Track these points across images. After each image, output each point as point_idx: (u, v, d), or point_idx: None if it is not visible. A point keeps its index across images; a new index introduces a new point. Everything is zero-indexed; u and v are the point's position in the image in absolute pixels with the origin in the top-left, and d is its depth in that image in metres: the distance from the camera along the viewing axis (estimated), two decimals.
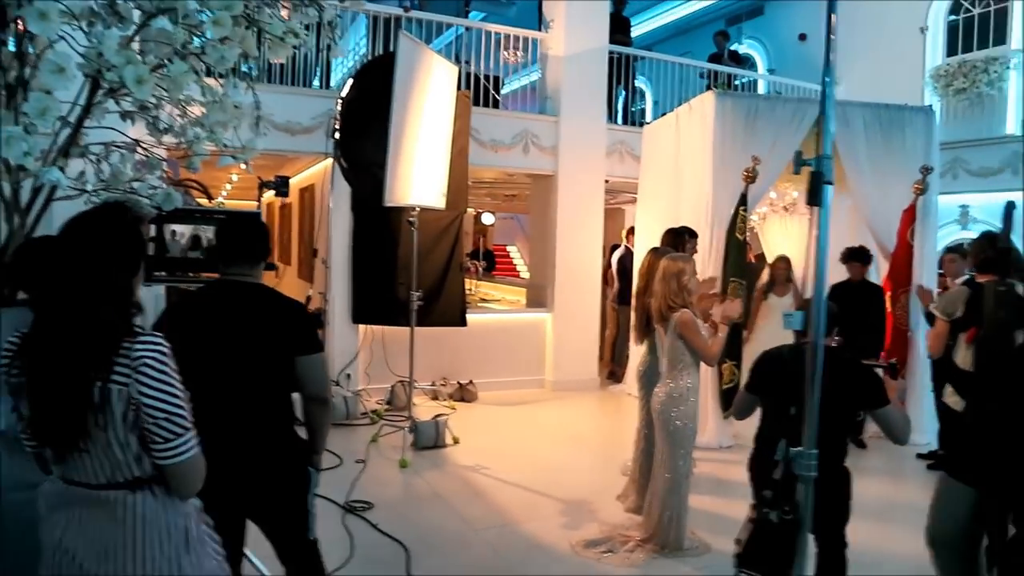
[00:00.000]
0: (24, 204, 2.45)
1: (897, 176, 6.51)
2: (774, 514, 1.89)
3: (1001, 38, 9.39)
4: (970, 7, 9.76)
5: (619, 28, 9.64)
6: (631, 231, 8.77)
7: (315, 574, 2.69)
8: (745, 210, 6.16)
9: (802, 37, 12.04)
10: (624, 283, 8.67)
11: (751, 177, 6.06)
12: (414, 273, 6.24)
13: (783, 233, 8.20)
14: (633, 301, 5.07)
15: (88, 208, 1.81)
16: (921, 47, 10.09)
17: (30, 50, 2.34)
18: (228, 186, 13.00)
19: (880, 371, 3.05)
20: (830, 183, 1.84)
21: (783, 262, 7.20)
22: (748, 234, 6.39)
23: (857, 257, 6.32)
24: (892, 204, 6.55)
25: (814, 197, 1.85)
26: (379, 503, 4.70)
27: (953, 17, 9.96)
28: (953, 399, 4.13)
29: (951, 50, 9.91)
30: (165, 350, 1.64)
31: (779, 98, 7.98)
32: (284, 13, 2.77)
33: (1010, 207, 4.30)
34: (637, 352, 5.05)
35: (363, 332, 7.44)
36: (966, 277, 5.19)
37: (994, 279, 4.09)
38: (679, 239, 5.49)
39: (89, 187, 2.66)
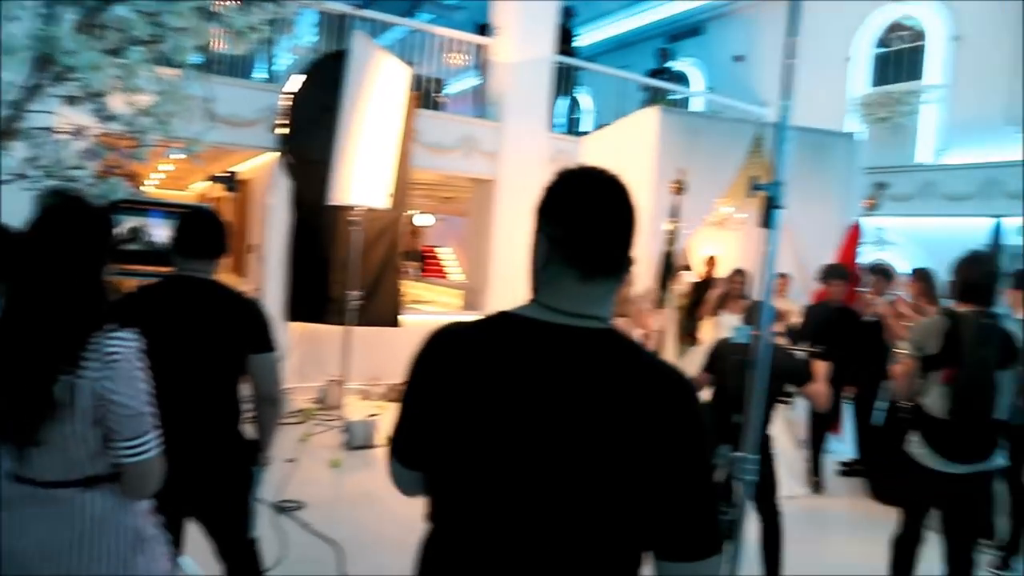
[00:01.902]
0: None
1: (821, 199, 6.83)
2: None
3: (918, 73, 9.97)
4: (892, 42, 10.32)
5: (562, 39, 9.81)
6: None
7: (253, 573, 2.68)
8: (676, 223, 6.28)
9: (738, 59, 12.48)
10: None
11: (679, 189, 6.13)
12: (352, 273, 6.21)
13: (714, 248, 8.47)
14: None
15: (59, 199, 1.77)
16: (844, 76, 10.62)
17: None
18: (156, 176, 12.60)
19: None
20: (780, 207, 1.96)
21: (740, 275, 6.63)
22: (677, 246, 6.51)
23: (840, 275, 5.97)
24: (816, 225, 6.86)
25: (766, 221, 1.97)
26: (311, 503, 4.66)
27: (880, 49, 10.51)
28: (921, 451, 3.44)
29: (876, 80, 10.46)
30: (139, 346, 1.62)
31: (719, 117, 8.27)
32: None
33: (1000, 224, 3.50)
34: None
35: (295, 329, 7.35)
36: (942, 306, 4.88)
37: (976, 309, 3.31)
38: None
39: (30, 172, 2.59)
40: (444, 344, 1.26)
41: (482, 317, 1.26)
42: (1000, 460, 3.45)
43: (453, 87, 10.35)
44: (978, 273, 3.35)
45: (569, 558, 1.12)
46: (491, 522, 1.16)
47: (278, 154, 6.92)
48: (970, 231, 8.88)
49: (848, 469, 6.23)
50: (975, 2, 9.31)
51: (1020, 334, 3.32)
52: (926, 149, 9.76)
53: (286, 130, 6.78)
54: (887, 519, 5.45)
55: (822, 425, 5.88)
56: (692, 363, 5.85)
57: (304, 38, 8.69)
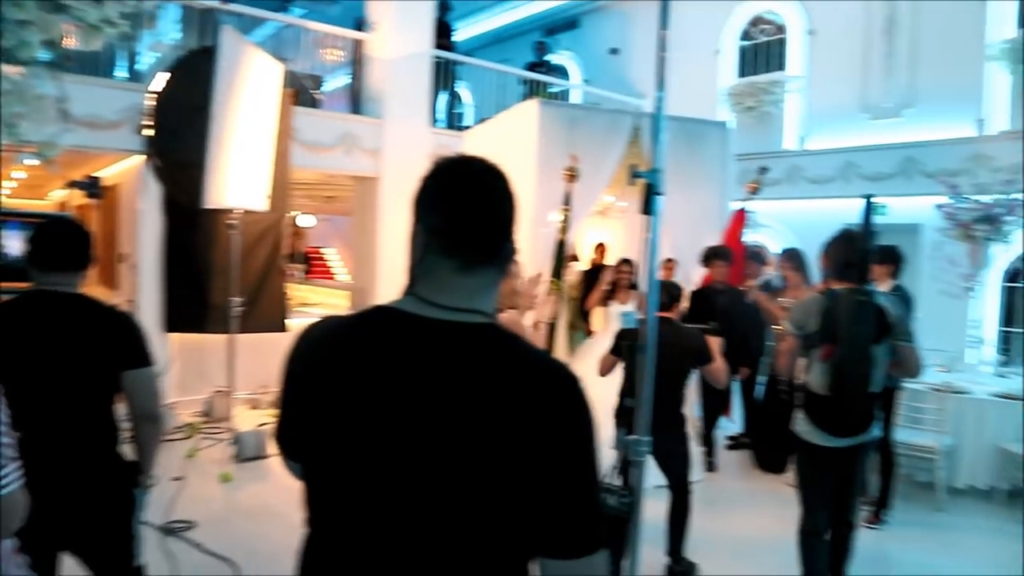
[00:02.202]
0: None
1: (697, 185, 7.08)
2: (613, 499, 2.04)
3: (781, 64, 10.54)
4: (756, 35, 10.86)
5: (441, 33, 9.76)
6: None
7: None
8: (568, 210, 6.24)
9: (614, 51, 12.79)
10: None
11: (572, 176, 6.13)
12: (233, 278, 5.96)
13: (597, 235, 8.65)
14: None
15: None
16: (715, 68, 11.09)
17: None
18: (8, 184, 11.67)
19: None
20: (660, 194, 2.01)
21: (628, 265, 6.49)
22: (569, 235, 6.53)
23: (721, 256, 6.11)
24: (694, 211, 7.12)
25: (647, 207, 2.01)
26: (202, 521, 4.46)
27: (745, 42, 11.03)
28: (806, 429, 3.52)
29: (741, 71, 10.98)
30: None
31: (597, 109, 8.44)
32: None
33: (870, 203, 3.48)
34: None
35: (175, 340, 6.99)
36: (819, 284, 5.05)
37: (851, 286, 3.40)
38: None
39: None
40: (316, 339, 1.23)
41: (357, 311, 1.23)
42: (877, 431, 3.65)
43: (331, 84, 10.11)
44: (851, 251, 3.44)
45: (448, 561, 1.09)
46: (366, 525, 1.12)
47: (145, 157, 6.54)
48: (833, 212, 9.49)
49: (735, 443, 6.54)
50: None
51: (891, 309, 3.43)
52: (791, 136, 10.33)
53: (152, 131, 6.41)
54: (773, 488, 5.77)
55: (714, 408, 6.11)
56: (585, 354, 5.97)
57: (168, 35, 8.26)
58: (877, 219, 5.56)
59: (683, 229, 7.15)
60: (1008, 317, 8.50)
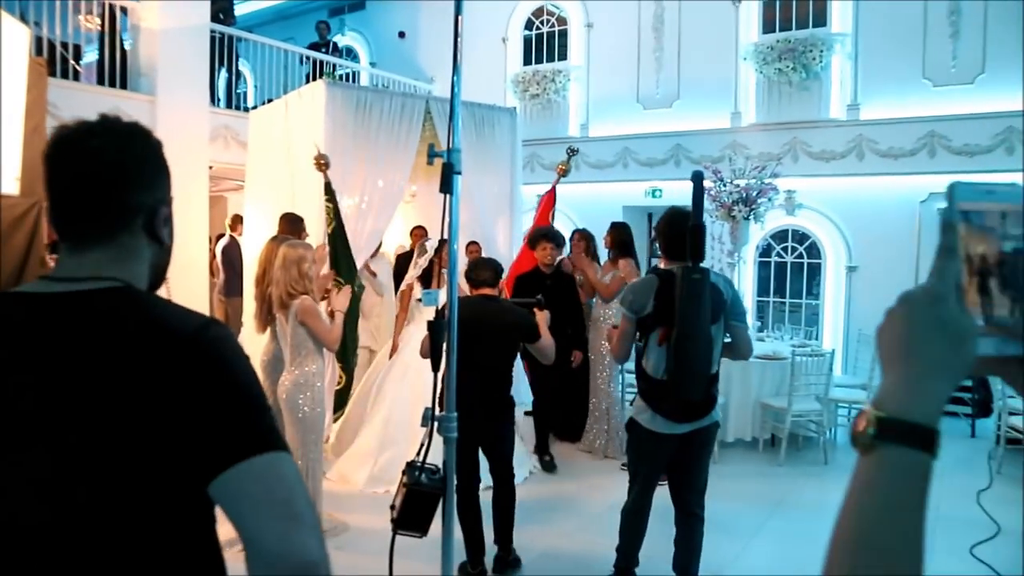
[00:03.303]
0: None
1: (487, 168, 7.23)
2: (424, 476, 2.05)
3: (564, 54, 11.03)
4: (540, 25, 11.27)
5: (220, 8, 9.17)
6: (237, 220, 8.42)
7: None
8: (330, 200, 5.78)
9: (401, 35, 12.70)
10: (230, 273, 8.32)
11: (321, 165, 5.68)
12: None
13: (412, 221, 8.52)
14: (253, 290, 4.92)
15: None
16: (504, 55, 11.38)
17: None
18: None
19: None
20: (459, 173, 2.04)
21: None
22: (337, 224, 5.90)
23: (551, 238, 6.06)
24: (485, 193, 7.27)
25: (446, 186, 2.03)
26: None
27: (529, 32, 11.40)
28: (644, 415, 3.41)
29: (527, 60, 11.35)
30: None
31: (387, 92, 8.32)
32: None
33: (698, 177, 3.30)
34: (259, 342, 4.92)
35: None
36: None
37: (683, 265, 3.18)
38: (297, 226, 5.45)
39: None
40: None
41: None
42: (719, 414, 3.56)
43: (94, 55, 9.15)
44: (679, 230, 3.24)
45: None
46: None
47: None
48: (613, 195, 10.17)
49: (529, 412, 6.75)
50: None
51: (725, 288, 3.37)
52: (574, 123, 10.87)
53: None
54: (573, 458, 6.08)
55: (543, 402, 6.20)
56: (409, 339, 5.85)
57: None
58: (651, 201, 5.99)
59: (475, 213, 7.27)
60: (761, 287, 9.58)
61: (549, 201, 6.98)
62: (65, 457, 0.97)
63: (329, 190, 5.72)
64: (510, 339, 4.00)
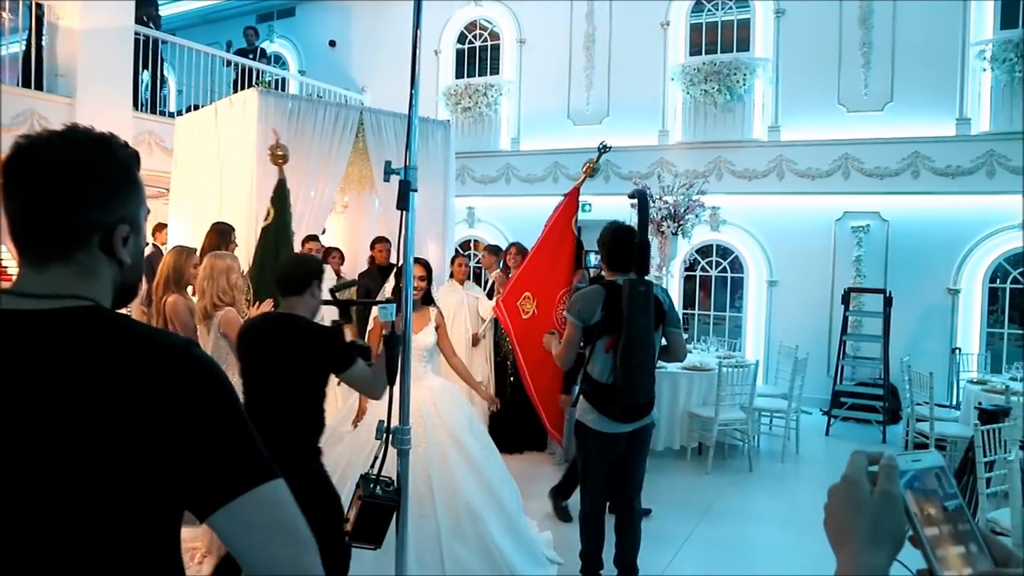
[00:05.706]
0: None
1: (422, 180, 7.14)
2: (379, 488, 2.06)
3: (497, 68, 11.14)
4: (473, 39, 11.36)
5: (147, 3, 8.91)
6: (160, 227, 8.18)
7: None
8: (280, 198, 5.29)
9: (332, 43, 12.57)
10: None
11: (278, 157, 5.33)
12: None
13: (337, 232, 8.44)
14: (154, 299, 4.81)
15: None
16: (436, 67, 11.40)
17: None
18: None
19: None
20: (415, 190, 2.06)
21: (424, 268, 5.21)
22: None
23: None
24: (420, 205, 7.25)
25: (403, 202, 2.05)
26: None
27: (462, 46, 11.47)
28: (590, 416, 3.59)
29: (459, 73, 11.41)
30: None
31: (321, 101, 8.23)
32: None
33: (643, 196, 3.95)
34: None
35: None
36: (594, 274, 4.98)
37: (629, 278, 3.49)
38: (227, 237, 5.33)
39: None
40: None
41: None
42: (656, 414, 3.82)
43: (4, 52, 8.74)
44: (624, 245, 3.52)
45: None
46: None
47: None
48: (542, 209, 10.26)
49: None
50: (535, 11, 10.68)
51: (663, 298, 3.63)
52: (506, 137, 10.98)
53: None
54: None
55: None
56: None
57: None
58: (581, 215, 6.03)
59: (417, 223, 7.23)
60: (687, 300, 9.87)
61: (572, 204, 5.85)
62: (43, 475, 0.95)
63: (283, 187, 5.29)
64: (305, 368, 2.89)
